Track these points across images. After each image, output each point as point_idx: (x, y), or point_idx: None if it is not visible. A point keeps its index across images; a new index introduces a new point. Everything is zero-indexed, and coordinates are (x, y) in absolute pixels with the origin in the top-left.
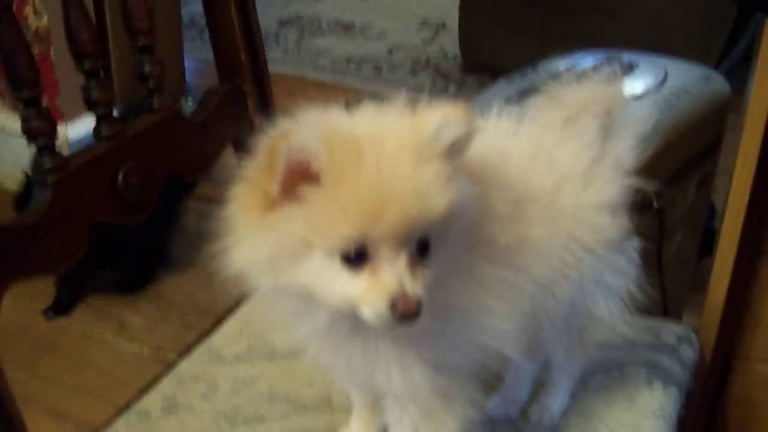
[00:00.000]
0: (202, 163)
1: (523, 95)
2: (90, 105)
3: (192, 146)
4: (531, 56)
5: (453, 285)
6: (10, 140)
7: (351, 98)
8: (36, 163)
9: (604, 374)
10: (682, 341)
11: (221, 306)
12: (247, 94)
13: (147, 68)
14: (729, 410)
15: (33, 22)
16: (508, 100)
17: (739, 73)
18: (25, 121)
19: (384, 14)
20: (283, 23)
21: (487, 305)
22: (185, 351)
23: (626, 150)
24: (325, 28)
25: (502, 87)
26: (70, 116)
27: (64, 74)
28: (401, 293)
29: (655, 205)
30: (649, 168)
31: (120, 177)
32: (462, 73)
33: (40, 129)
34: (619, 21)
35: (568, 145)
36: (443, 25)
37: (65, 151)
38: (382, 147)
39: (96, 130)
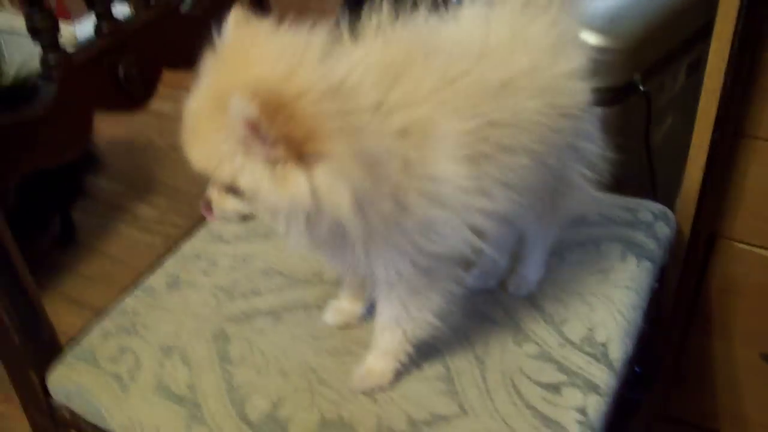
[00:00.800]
0: (199, 54)
1: None
2: (89, 3)
3: (189, 40)
4: None
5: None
6: (19, 40)
7: None
8: (42, 60)
9: (581, 249)
10: (658, 218)
11: None
12: None
13: None
14: (712, 288)
15: None
16: None
17: None
18: (28, 19)
19: None
20: None
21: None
22: (188, 232)
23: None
24: None
25: None
26: (78, 15)
27: None
28: (204, 203)
29: (641, 88)
30: (636, 51)
31: (121, 70)
32: None
33: (43, 26)
34: None
35: (536, 23)
36: None
37: (73, 49)
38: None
39: (97, 27)
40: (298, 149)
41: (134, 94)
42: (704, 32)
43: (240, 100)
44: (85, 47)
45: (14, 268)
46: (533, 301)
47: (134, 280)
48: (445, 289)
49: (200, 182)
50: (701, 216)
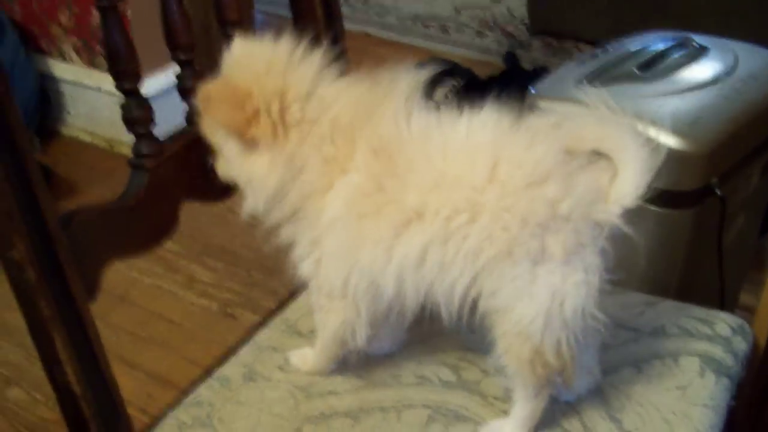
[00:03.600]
0: None
1: (594, 78)
2: (183, 94)
3: None
4: (599, 22)
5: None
6: (84, 93)
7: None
8: (134, 149)
9: (659, 362)
10: (736, 332)
11: (285, 263)
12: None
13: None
14: None
15: None
16: (578, 83)
17: None
18: (125, 109)
19: None
20: None
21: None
22: (262, 321)
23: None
24: None
25: (572, 68)
26: (147, 69)
27: (140, 29)
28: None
29: (718, 193)
30: (715, 155)
31: (210, 160)
32: (529, 35)
33: (139, 117)
34: None
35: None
36: None
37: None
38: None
39: (188, 116)
40: (243, 131)
41: (220, 185)
42: None
43: (201, 90)
44: (175, 136)
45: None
46: (611, 413)
47: (192, 347)
48: (345, 321)
49: (257, 247)
50: None
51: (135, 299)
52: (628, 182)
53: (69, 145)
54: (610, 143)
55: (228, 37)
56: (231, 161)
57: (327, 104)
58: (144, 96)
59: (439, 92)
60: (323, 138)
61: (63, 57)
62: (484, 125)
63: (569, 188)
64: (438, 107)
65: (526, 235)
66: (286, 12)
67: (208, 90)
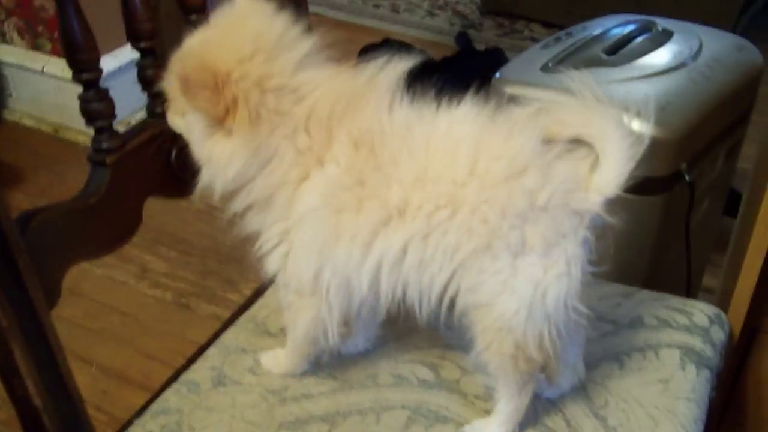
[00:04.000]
0: None
1: (559, 62)
2: (144, 84)
3: None
4: (552, 3)
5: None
6: (27, 76)
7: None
8: (94, 143)
9: (640, 355)
10: (713, 322)
11: (242, 252)
12: None
13: (148, 72)
14: (748, 380)
15: None
16: (544, 68)
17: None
18: (84, 102)
19: None
20: None
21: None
22: (229, 321)
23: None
24: None
25: (536, 52)
26: (105, 48)
27: (99, 6)
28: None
29: (687, 178)
30: (683, 142)
31: (173, 154)
32: (480, 15)
33: (99, 111)
34: None
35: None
36: None
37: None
38: None
39: (150, 107)
40: (220, 118)
41: (185, 180)
42: (743, 118)
43: (176, 63)
44: (137, 130)
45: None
46: (595, 410)
47: (146, 340)
48: (313, 317)
49: (211, 235)
50: (749, 316)
51: (86, 291)
52: (610, 172)
53: (12, 130)
54: (593, 131)
55: (191, 24)
56: (193, 133)
57: (304, 94)
58: (103, 88)
59: None
60: (297, 129)
61: (4, 38)
62: (464, 119)
63: (547, 178)
64: (418, 97)
65: (506, 227)
66: None
67: (185, 68)
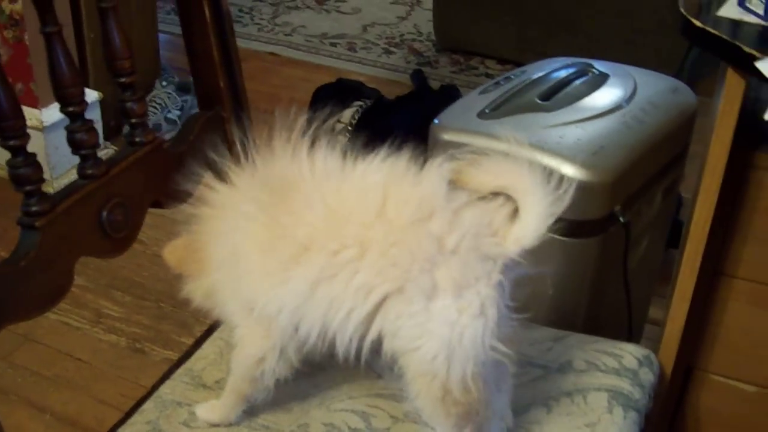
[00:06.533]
0: (181, 190)
1: (496, 108)
2: (75, 146)
3: (173, 176)
4: (505, 39)
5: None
6: None
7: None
8: (23, 207)
9: (567, 399)
10: (642, 364)
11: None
12: (225, 120)
13: (129, 105)
14: (687, 419)
15: (7, 6)
16: (481, 114)
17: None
18: (12, 168)
19: None
20: None
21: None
22: (166, 374)
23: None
24: (299, 3)
25: (474, 98)
26: (45, 101)
27: (39, 59)
28: None
29: (622, 219)
30: (617, 184)
31: (104, 214)
32: (436, 52)
33: (27, 175)
34: (589, 5)
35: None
36: (418, 2)
37: (41, 139)
38: None
39: (81, 169)
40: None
41: (117, 239)
42: (679, 157)
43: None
44: (67, 192)
45: None
46: None
47: (101, 386)
48: (253, 355)
49: (166, 279)
50: (682, 354)
51: (40, 337)
52: (528, 225)
53: None
54: (514, 185)
55: (122, 87)
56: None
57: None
58: (43, 124)
59: (347, 114)
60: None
61: None
62: (379, 166)
63: (455, 223)
64: (344, 132)
65: (416, 271)
66: None
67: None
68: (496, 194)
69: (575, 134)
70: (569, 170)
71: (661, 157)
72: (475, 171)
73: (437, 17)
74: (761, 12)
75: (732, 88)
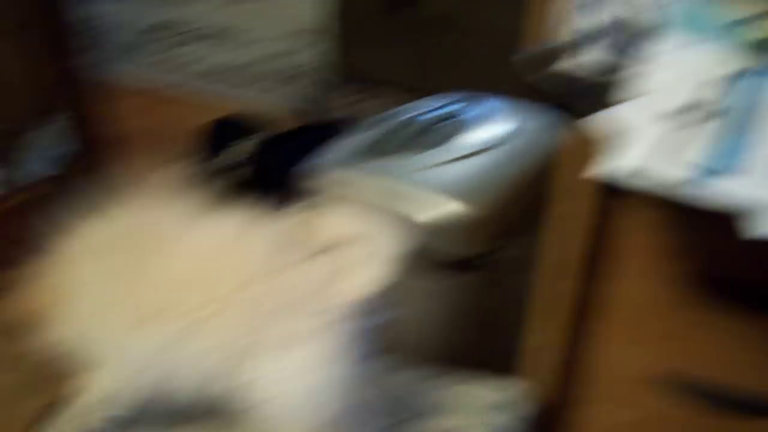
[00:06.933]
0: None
1: (372, 149)
2: None
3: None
4: (406, 69)
5: None
6: None
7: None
8: None
9: None
10: (519, 398)
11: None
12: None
13: None
14: None
15: None
16: (355, 156)
17: None
18: None
19: (261, 19)
20: (151, 30)
21: None
22: None
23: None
24: (196, 34)
25: (353, 138)
26: None
27: None
28: None
29: (501, 254)
30: (494, 220)
31: None
32: (336, 82)
33: None
34: (473, 38)
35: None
36: (321, 31)
37: None
38: None
39: None
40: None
41: None
42: None
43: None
44: None
45: None
46: None
47: None
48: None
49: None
50: (562, 387)
51: None
52: (374, 271)
53: None
54: (358, 232)
55: None
56: None
57: None
58: None
59: (239, 149)
60: None
61: None
62: (228, 222)
63: (297, 277)
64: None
65: (261, 324)
66: None
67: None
68: (346, 242)
69: (453, 172)
70: (447, 208)
71: (541, 191)
72: (326, 221)
73: (341, 46)
74: None
75: None
